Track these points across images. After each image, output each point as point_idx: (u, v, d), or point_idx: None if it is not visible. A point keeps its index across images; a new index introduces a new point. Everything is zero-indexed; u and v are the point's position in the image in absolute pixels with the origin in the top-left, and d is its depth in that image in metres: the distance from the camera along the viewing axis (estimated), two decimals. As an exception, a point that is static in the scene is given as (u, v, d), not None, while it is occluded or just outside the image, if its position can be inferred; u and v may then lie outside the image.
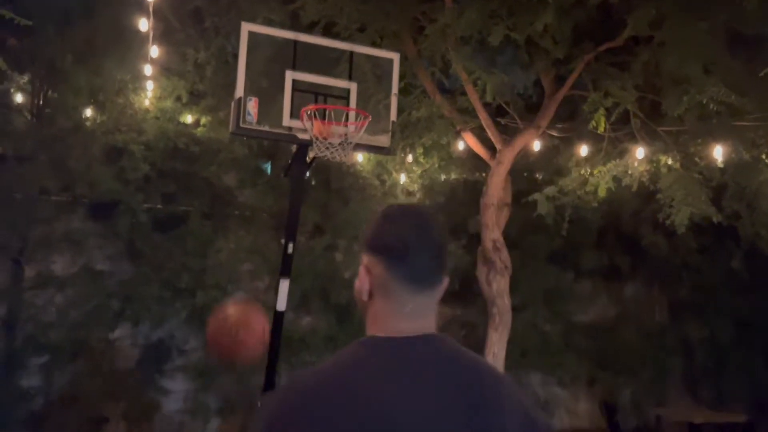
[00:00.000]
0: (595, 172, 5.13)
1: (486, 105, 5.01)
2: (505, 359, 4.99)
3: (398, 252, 1.19)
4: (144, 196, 5.80)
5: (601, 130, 4.84)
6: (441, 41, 4.46)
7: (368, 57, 4.48)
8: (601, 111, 4.67)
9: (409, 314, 1.21)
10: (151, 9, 4.81)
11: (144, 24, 4.96)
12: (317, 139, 4.00)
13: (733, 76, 4.22)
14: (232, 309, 2.87)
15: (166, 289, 5.85)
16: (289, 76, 4.15)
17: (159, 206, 6.02)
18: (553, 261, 7.18)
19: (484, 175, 5.90)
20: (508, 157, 5.07)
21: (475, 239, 5.40)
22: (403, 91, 4.80)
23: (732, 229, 5.70)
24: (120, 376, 5.84)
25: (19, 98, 5.60)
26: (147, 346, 6.03)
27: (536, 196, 5.03)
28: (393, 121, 4.48)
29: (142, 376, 5.92)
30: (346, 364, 1.18)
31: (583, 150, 5.35)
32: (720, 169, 4.99)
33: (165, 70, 5.62)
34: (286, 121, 4.12)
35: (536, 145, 5.50)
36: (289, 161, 4.54)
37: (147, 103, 5.76)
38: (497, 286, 4.99)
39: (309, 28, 4.57)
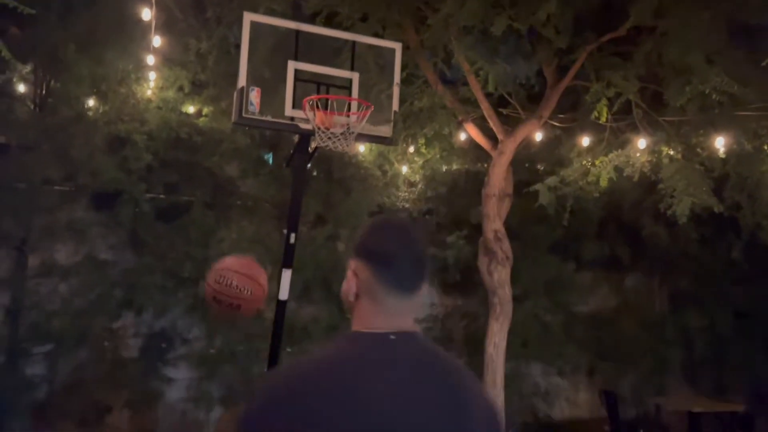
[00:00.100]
0: (597, 162, 5.13)
1: (488, 95, 5.02)
2: (506, 349, 5.02)
3: (384, 259, 1.33)
4: (147, 186, 5.81)
5: (603, 120, 4.85)
6: (443, 31, 4.45)
7: (370, 47, 4.47)
8: (603, 101, 4.67)
9: (390, 314, 1.33)
10: (153, -2, 4.81)
11: (146, 13, 4.96)
12: (319, 129, 4.01)
13: (736, 66, 4.22)
14: (231, 261, 2.85)
15: (169, 279, 5.87)
16: (292, 66, 4.15)
17: (161, 196, 6.03)
18: (554, 251, 7.20)
19: (485, 165, 5.90)
20: (509, 147, 5.08)
21: (477, 230, 5.42)
22: (405, 82, 4.80)
23: (733, 220, 5.71)
24: (123, 365, 5.88)
25: (21, 88, 5.60)
26: (150, 335, 6.06)
27: (538, 186, 5.04)
28: (395, 112, 4.48)
29: (146, 364, 5.96)
30: (331, 355, 1.30)
31: (585, 140, 5.36)
32: (721, 159, 5.00)
33: (167, 60, 5.61)
34: (289, 111, 4.11)
35: (538, 136, 5.51)
36: (291, 151, 4.55)
37: (149, 93, 5.76)
38: (498, 276, 5.02)
39: (311, 18, 4.56)
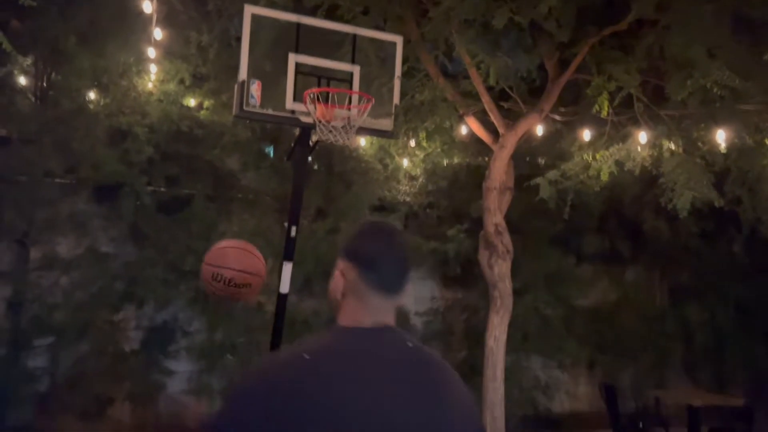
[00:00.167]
0: (598, 156, 5.12)
1: (489, 89, 5.00)
2: (506, 342, 5.02)
3: (370, 262, 1.40)
4: (148, 179, 5.82)
5: (604, 114, 4.84)
6: (444, 24, 4.44)
7: (371, 40, 4.46)
8: (605, 95, 4.66)
9: (374, 312, 1.40)
10: (154, -9, 4.80)
11: (147, 6, 4.96)
12: (320, 122, 4.00)
13: (738, 60, 4.20)
14: (227, 241, 2.85)
15: (170, 272, 5.89)
16: (292, 59, 4.15)
17: (163, 189, 6.04)
18: (554, 245, 7.21)
19: (486, 159, 5.90)
20: (510, 141, 5.07)
21: (478, 223, 5.42)
22: (406, 75, 4.78)
23: (733, 214, 5.71)
24: (125, 358, 5.91)
25: (22, 80, 5.60)
26: (151, 328, 6.09)
27: (539, 180, 5.03)
28: (396, 105, 4.47)
29: (147, 357, 5.98)
30: (316, 347, 1.36)
31: (586, 134, 5.35)
32: (722, 153, 4.99)
33: (168, 52, 5.61)
34: (289, 104, 4.12)
35: (539, 130, 5.50)
36: (292, 145, 4.55)
37: (150, 85, 5.76)
38: (499, 269, 5.02)
39: (312, 11, 4.55)
